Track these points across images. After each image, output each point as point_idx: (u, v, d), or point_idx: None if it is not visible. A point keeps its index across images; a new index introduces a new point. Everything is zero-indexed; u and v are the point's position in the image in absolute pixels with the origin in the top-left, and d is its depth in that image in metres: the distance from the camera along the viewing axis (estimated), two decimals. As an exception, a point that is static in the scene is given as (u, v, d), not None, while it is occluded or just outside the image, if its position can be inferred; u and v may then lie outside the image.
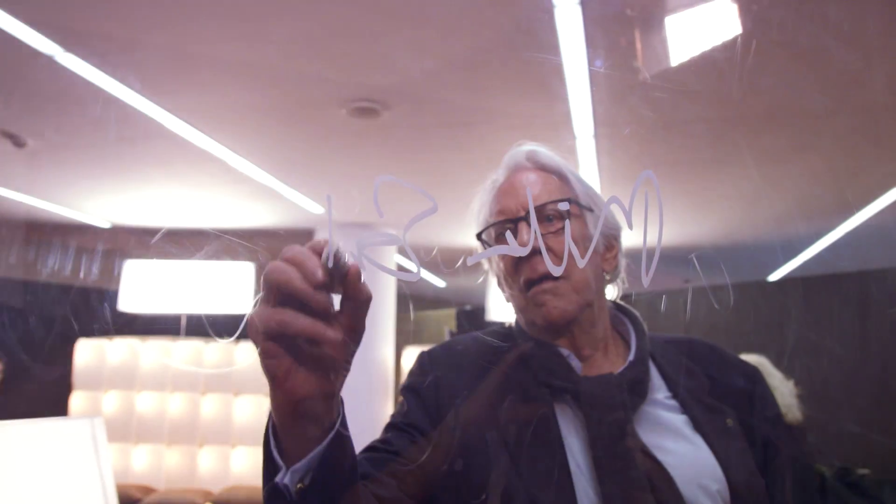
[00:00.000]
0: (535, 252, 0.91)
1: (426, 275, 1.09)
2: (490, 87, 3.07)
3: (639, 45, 2.14)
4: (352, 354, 0.69)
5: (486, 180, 1.09)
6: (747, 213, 5.17)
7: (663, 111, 2.97)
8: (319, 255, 0.64)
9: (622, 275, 1.06)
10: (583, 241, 0.98)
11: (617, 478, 0.87)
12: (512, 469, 0.89)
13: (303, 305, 0.64)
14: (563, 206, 0.98)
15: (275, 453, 0.71)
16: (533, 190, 0.99)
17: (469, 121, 3.43)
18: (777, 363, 2.64)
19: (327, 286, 0.65)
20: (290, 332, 0.64)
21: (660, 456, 0.90)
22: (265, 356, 0.66)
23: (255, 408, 5.20)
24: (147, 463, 4.98)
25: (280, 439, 0.71)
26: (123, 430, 5.00)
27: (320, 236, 0.73)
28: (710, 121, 3.11)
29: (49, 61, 2.85)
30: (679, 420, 0.96)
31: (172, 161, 4.06)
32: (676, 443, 0.93)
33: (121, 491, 4.39)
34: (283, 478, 0.70)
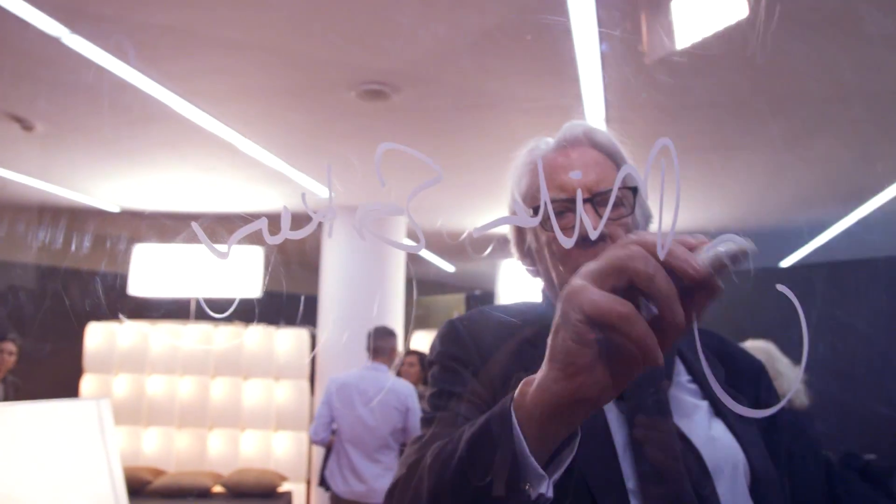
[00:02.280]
0: (603, 238, 0.88)
1: (436, 259, 1.07)
2: (500, 69, 3.04)
3: (648, 28, 2.11)
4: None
5: (529, 147, 1.02)
6: (760, 199, 5.13)
7: (675, 95, 2.94)
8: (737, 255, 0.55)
9: None
10: (633, 229, 0.94)
11: (652, 459, 0.86)
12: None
13: (644, 302, 0.56)
14: (624, 194, 0.92)
15: (532, 461, 0.62)
16: (596, 171, 0.93)
17: (479, 104, 3.40)
18: (785, 349, 2.63)
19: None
20: (625, 332, 0.55)
21: (692, 439, 0.89)
22: (580, 342, 0.57)
23: (263, 391, 5.22)
24: (157, 445, 5.02)
25: (523, 434, 0.63)
26: (134, 413, 5.04)
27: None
28: (722, 105, 3.08)
29: (56, 43, 2.83)
30: (702, 404, 0.95)
31: (180, 144, 4.05)
32: (701, 426, 0.93)
33: (131, 473, 4.44)
34: (548, 489, 0.63)
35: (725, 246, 0.54)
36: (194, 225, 0.59)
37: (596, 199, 0.91)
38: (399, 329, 6.23)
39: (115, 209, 5.26)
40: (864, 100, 3.27)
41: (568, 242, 0.65)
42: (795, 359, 2.66)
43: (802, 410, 2.49)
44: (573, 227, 0.67)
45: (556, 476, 0.64)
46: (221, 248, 0.60)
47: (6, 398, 4.03)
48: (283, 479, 4.82)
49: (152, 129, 3.84)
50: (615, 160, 0.97)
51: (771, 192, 4.89)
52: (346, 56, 3.05)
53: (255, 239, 0.60)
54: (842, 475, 2.39)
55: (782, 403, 0.61)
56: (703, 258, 0.55)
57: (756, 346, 2.67)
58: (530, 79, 3.07)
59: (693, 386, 0.97)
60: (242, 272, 4.68)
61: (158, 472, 4.75)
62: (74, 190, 4.86)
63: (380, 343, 3.98)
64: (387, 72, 3.15)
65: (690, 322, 0.57)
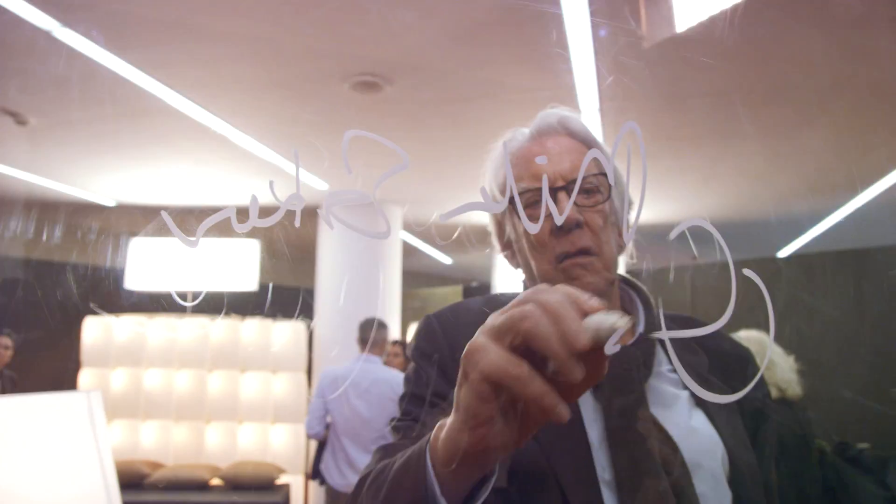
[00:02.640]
0: (577, 225, 0.89)
1: (433, 252, 1.07)
2: (494, 59, 3.03)
3: (643, 14, 2.10)
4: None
5: (505, 138, 1.02)
6: (756, 189, 5.12)
7: (669, 84, 2.93)
8: (585, 314, 0.55)
9: (631, 249, 1.04)
10: (610, 215, 0.94)
11: (628, 449, 0.86)
12: (533, 442, 0.86)
13: (541, 361, 0.56)
14: (599, 180, 0.92)
15: (440, 498, 0.66)
16: (570, 158, 0.93)
17: (472, 95, 3.39)
18: (779, 338, 2.63)
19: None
20: (521, 393, 0.56)
21: (667, 428, 0.89)
22: (478, 399, 0.58)
23: (260, 384, 5.23)
24: (155, 439, 5.03)
25: (436, 475, 0.66)
26: (132, 407, 5.05)
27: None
28: (716, 94, 3.07)
29: (46, 37, 2.82)
30: (682, 394, 0.95)
31: (173, 138, 4.04)
32: (680, 416, 0.92)
33: (129, 466, 4.44)
34: None
35: (609, 322, 0.54)
36: (164, 214, 0.59)
37: (570, 187, 0.91)
38: (396, 321, 6.24)
39: (111, 203, 5.25)
40: (862, 88, 3.26)
41: (533, 228, 0.65)
42: (791, 350, 2.66)
43: (796, 400, 2.49)
44: (547, 215, 0.68)
45: None
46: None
47: (3, 392, 4.04)
48: (281, 471, 4.83)
49: (146, 122, 3.83)
50: (591, 147, 0.96)
51: (769, 180, 4.88)
52: (339, 47, 3.04)
53: (224, 228, 0.60)
54: (834, 464, 2.40)
55: (749, 388, 0.61)
56: (588, 328, 0.54)
57: (749, 337, 2.67)
58: (525, 68, 3.06)
59: (675, 376, 0.96)
60: (239, 265, 4.68)
61: (156, 466, 4.75)
62: (69, 184, 4.85)
63: (370, 334, 3.98)
64: (380, 63, 3.14)
65: (598, 378, 0.57)
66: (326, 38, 2.98)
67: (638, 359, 0.92)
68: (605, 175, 0.91)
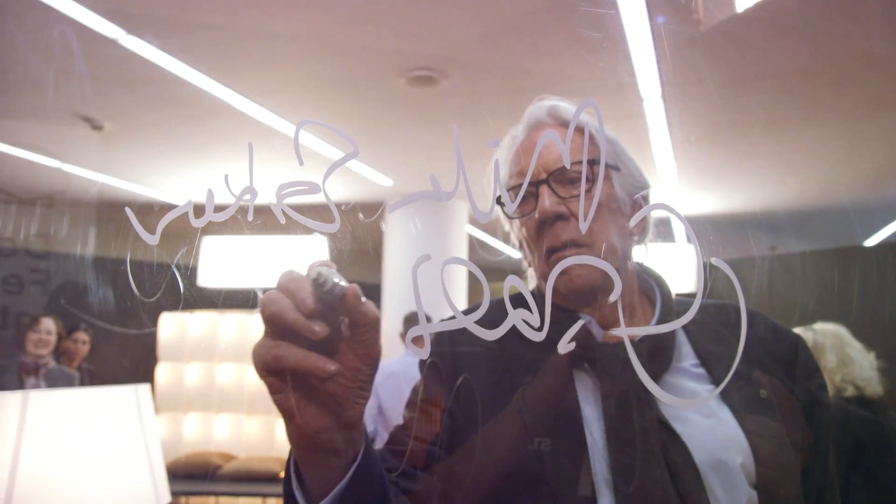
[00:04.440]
0: (559, 218, 0.87)
1: (502, 246, 1.05)
2: (548, 50, 2.96)
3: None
4: (367, 381, 0.63)
5: (504, 136, 1.02)
6: (835, 174, 4.86)
7: (734, 67, 2.79)
8: (315, 280, 0.59)
9: (650, 236, 0.99)
10: (608, 203, 0.91)
11: (629, 450, 0.83)
12: (529, 442, 0.86)
13: (300, 336, 0.60)
14: (587, 167, 0.88)
15: (296, 492, 0.68)
16: (555, 149, 0.91)
17: (528, 86, 3.33)
18: (859, 333, 2.47)
19: (324, 313, 0.60)
20: (286, 367, 0.60)
21: (678, 427, 0.84)
22: (270, 391, 0.62)
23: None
24: (228, 431, 5.18)
25: (301, 473, 0.68)
26: (206, 400, 5.21)
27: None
28: (786, 76, 2.91)
29: (114, 46, 2.92)
30: (704, 390, 0.89)
31: (238, 138, 4.13)
32: (698, 414, 0.87)
33: (203, 458, 4.58)
34: None
35: (326, 274, 0.59)
36: (127, 210, 0.61)
37: (550, 179, 0.89)
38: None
39: (183, 202, 5.43)
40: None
41: (483, 218, 0.66)
42: (872, 345, 2.50)
43: (876, 399, 2.34)
44: (533, 210, 0.66)
45: None
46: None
47: (82, 385, 4.23)
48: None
49: (212, 123, 3.93)
50: (584, 132, 0.93)
51: (846, 166, 4.62)
52: (394, 43, 3.04)
53: (182, 221, 0.61)
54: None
55: (722, 386, 0.57)
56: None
57: (826, 330, 2.52)
58: (581, 57, 2.98)
59: (700, 370, 0.91)
60: (307, 262, 4.75)
61: (229, 457, 4.90)
62: (142, 185, 5.04)
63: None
64: (435, 57, 3.12)
65: (364, 324, 0.61)
66: (381, 35, 2.98)
67: (642, 353, 0.87)
68: (596, 162, 0.88)
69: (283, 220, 0.61)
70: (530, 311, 0.59)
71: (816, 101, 3.29)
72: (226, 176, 0.61)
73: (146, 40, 2.94)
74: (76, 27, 2.77)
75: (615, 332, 0.85)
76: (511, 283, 0.63)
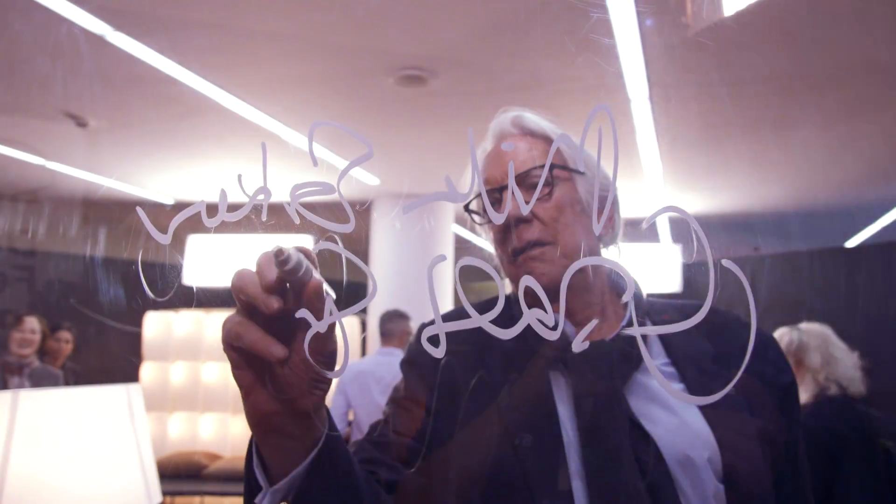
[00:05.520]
0: (520, 221, 0.92)
1: (488, 246, 1.08)
2: (538, 50, 2.97)
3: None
4: (321, 375, 0.64)
5: (482, 146, 1.06)
6: (819, 177, 4.92)
7: (722, 69, 2.82)
8: (276, 256, 0.60)
9: (620, 236, 1.02)
10: (572, 205, 0.95)
11: (600, 448, 0.86)
12: (507, 441, 0.89)
13: (266, 319, 0.61)
14: (547, 172, 0.95)
15: (257, 471, 0.69)
16: (518, 157, 0.97)
17: (518, 85, 3.34)
18: (843, 333, 2.50)
19: (283, 292, 0.61)
20: (243, 345, 0.62)
21: (648, 426, 0.87)
22: (232, 368, 0.64)
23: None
24: (213, 431, 5.15)
25: (262, 454, 0.70)
26: (191, 399, 5.18)
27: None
28: (773, 79, 2.94)
29: (101, 42, 2.90)
30: (675, 388, 0.91)
31: (226, 136, 4.12)
32: (666, 412, 0.90)
33: (188, 458, 4.55)
34: (263, 499, 0.69)
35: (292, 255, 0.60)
36: (139, 210, 0.61)
37: (513, 184, 0.93)
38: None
39: (169, 201, 5.40)
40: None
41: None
42: (855, 344, 2.54)
43: (858, 398, 2.37)
44: (501, 214, 0.80)
45: (278, 487, 0.68)
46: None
47: (66, 384, 4.19)
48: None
49: (199, 122, 3.91)
50: (546, 139, 1.00)
51: (831, 168, 4.68)
52: (383, 42, 3.04)
53: (195, 223, 0.61)
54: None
55: (728, 388, 0.58)
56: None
57: (811, 329, 2.55)
58: (570, 58, 2.99)
59: (671, 370, 0.94)
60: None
61: (214, 457, 4.87)
62: (128, 183, 5.00)
63: (390, 326, 3.90)
64: (424, 57, 3.13)
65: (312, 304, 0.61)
66: (370, 34, 2.98)
67: (612, 352, 0.91)
68: (560, 167, 0.95)
69: (297, 220, 0.61)
70: (544, 310, 0.60)
71: (800, 104, 3.32)
72: (239, 176, 0.62)
73: (133, 37, 2.92)
74: (62, 23, 2.74)
75: (629, 332, 0.87)
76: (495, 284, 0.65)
